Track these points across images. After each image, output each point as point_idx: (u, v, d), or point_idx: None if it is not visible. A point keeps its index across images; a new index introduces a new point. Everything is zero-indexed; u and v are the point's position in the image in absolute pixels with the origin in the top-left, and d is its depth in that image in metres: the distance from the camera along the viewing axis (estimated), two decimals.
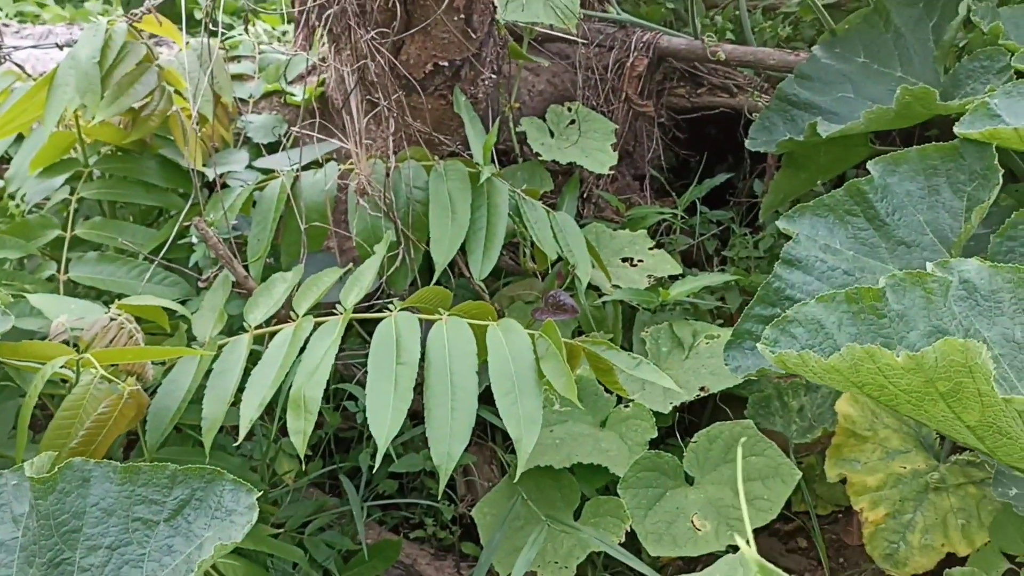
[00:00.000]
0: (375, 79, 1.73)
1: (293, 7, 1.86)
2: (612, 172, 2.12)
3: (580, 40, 2.21)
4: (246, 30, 2.21)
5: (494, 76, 1.93)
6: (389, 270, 1.71)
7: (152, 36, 1.87)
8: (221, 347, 1.43)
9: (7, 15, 3.09)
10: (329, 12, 1.68)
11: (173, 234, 1.72)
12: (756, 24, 2.48)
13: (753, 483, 1.59)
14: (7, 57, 1.94)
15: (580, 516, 1.63)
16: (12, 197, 1.82)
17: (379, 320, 1.40)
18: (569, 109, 2.14)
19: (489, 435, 1.87)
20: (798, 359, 1.12)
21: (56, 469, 1.05)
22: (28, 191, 1.79)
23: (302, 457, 1.30)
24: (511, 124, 2.08)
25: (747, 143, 2.05)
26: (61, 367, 1.26)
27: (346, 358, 1.80)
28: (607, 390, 1.70)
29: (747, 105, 2.27)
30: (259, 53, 2.20)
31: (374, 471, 1.34)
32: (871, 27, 2.03)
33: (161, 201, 1.83)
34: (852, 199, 1.58)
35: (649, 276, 1.97)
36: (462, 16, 1.77)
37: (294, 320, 1.44)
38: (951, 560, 1.47)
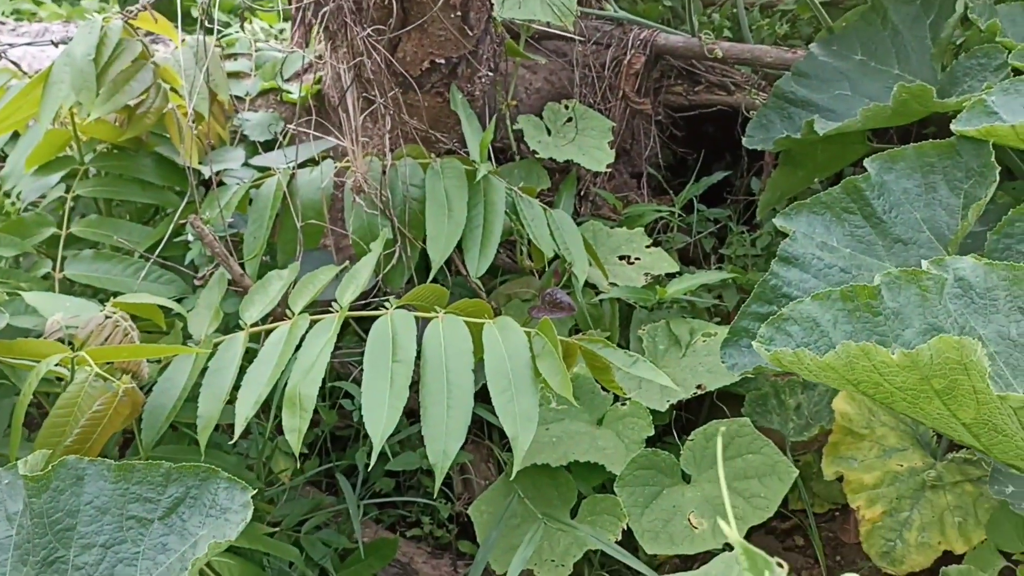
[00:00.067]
0: (371, 76, 1.73)
1: (290, 4, 1.85)
2: (609, 170, 2.12)
3: (577, 38, 2.21)
4: (242, 27, 2.20)
5: (491, 74, 1.92)
6: (385, 268, 1.70)
7: (148, 33, 1.87)
8: (217, 345, 1.43)
9: (3, 12, 3.09)
10: (325, 9, 1.68)
11: (169, 232, 1.72)
12: (754, 22, 2.47)
13: (750, 481, 1.59)
14: (3, 54, 1.94)
15: (577, 514, 1.63)
16: (8, 195, 1.82)
17: (375, 318, 1.39)
18: (566, 107, 2.14)
19: (486, 433, 1.86)
20: (793, 357, 1.12)
21: (50, 467, 1.05)
22: (24, 189, 1.78)
23: (297, 455, 1.30)
24: (508, 122, 2.08)
25: (744, 141, 2.05)
26: (56, 365, 1.26)
27: (343, 356, 1.80)
28: (604, 388, 1.70)
29: (744, 103, 2.27)
30: (256, 51, 2.20)
31: (369, 469, 1.33)
32: (868, 24, 2.03)
33: (157, 199, 1.83)
34: (849, 196, 1.58)
35: (646, 274, 1.97)
36: (459, 13, 1.76)
37: (290, 318, 1.43)
38: (948, 558, 1.47)
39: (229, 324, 1.55)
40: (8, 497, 1.06)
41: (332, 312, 1.43)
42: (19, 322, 1.48)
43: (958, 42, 2.05)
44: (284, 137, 1.96)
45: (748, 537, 1.60)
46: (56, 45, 1.97)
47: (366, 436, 1.32)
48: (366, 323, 1.42)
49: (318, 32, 1.78)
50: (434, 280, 1.61)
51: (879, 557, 1.52)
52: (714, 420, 1.66)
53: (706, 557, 1.57)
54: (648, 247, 2.04)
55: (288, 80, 2.09)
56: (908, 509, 1.52)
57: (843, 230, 1.56)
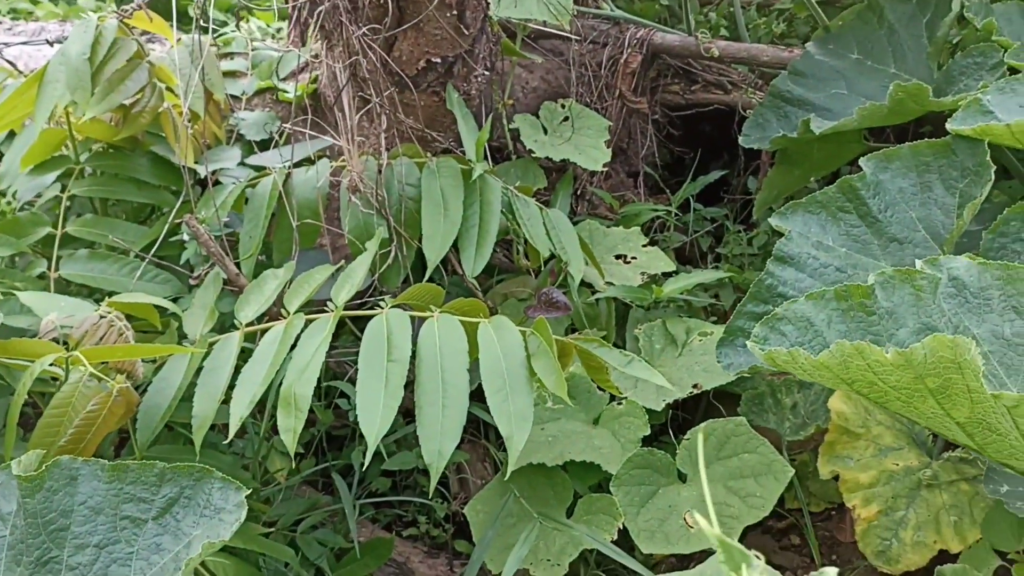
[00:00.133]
0: (367, 75, 1.73)
1: (286, 3, 1.85)
2: (606, 169, 2.12)
3: (574, 37, 2.21)
4: (237, 26, 2.20)
5: (487, 73, 1.92)
6: (381, 267, 1.70)
7: (144, 33, 1.87)
8: (212, 345, 1.43)
9: (0, 11, 3.08)
10: (321, 8, 1.68)
11: (164, 231, 1.72)
12: (750, 21, 2.47)
13: (746, 480, 1.59)
14: None
15: (573, 514, 1.63)
16: (3, 194, 1.82)
17: (371, 317, 1.39)
18: (563, 106, 2.14)
19: (482, 433, 1.86)
20: (788, 356, 1.12)
21: (44, 467, 1.05)
22: (19, 188, 1.78)
23: (293, 455, 1.29)
24: (505, 121, 2.08)
25: (740, 140, 2.05)
26: (51, 365, 1.26)
27: (339, 356, 1.80)
28: (600, 387, 1.70)
29: (741, 102, 2.27)
30: (252, 50, 2.20)
31: (364, 468, 1.33)
32: (865, 23, 2.03)
33: (153, 198, 1.82)
34: (844, 196, 1.58)
35: (643, 273, 1.97)
36: (455, 12, 1.76)
37: (285, 317, 1.43)
38: (943, 557, 1.47)
39: (225, 323, 1.55)
40: (2, 497, 1.05)
41: (328, 312, 1.43)
42: (14, 322, 1.48)
43: (954, 41, 2.05)
44: (280, 136, 1.96)
45: (744, 536, 1.60)
46: (51, 44, 1.97)
47: (362, 436, 1.32)
48: (362, 323, 1.42)
49: (314, 31, 1.78)
50: (430, 279, 1.61)
51: (875, 556, 1.52)
52: (710, 419, 1.66)
53: (702, 556, 1.57)
54: (645, 246, 2.04)
55: (284, 79, 2.09)
56: (904, 508, 1.52)
57: (839, 229, 1.55)
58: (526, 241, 1.85)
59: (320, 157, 1.80)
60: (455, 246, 1.69)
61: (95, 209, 1.86)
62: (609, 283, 1.91)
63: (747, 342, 1.21)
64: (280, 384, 1.34)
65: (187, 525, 1.05)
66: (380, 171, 1.72)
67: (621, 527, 1.57)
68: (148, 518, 1.05)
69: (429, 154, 1.79)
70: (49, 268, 1.65)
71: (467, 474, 1.81)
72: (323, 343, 1.36)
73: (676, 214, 2.25)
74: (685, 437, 1.66)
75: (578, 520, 1.61)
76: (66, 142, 1.80)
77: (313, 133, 1.79)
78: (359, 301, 1.67)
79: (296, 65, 2.08)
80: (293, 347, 1.38)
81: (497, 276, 2.02)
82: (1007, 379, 1.13)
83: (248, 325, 1.46)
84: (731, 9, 2.39)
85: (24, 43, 2.09)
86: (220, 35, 2.29)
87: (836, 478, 1.58)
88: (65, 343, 1.34)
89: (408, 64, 1.79)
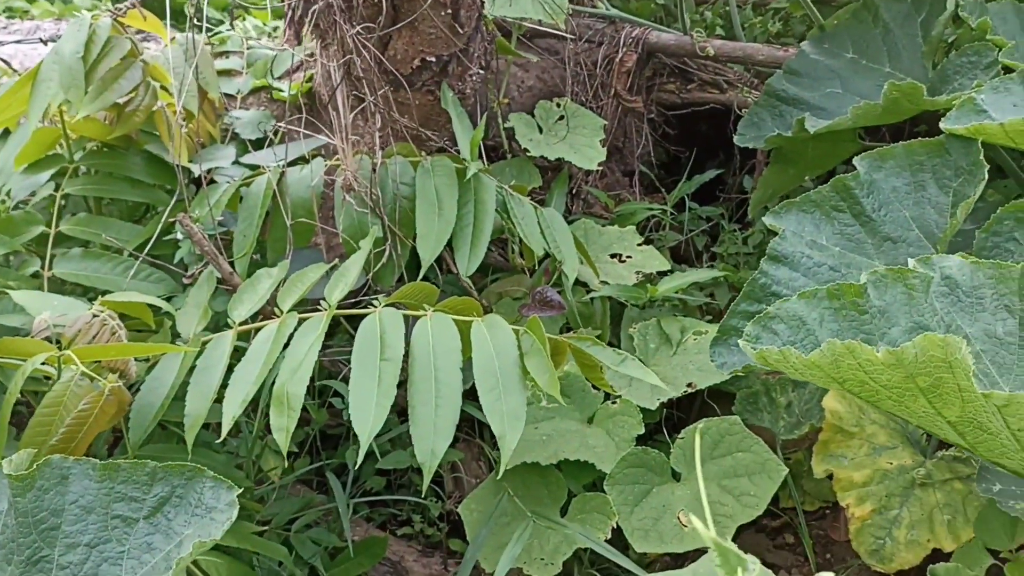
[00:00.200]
0: (361, 74, 1.73)
1: (281, 2, 1.85)
2: (601, 168, 2.12)
3: (569, 36, 2.20)
4: (231, 25, 2.20)
5: (482, 72, 1.92)
6: (376, 266, 1.70)
7: (140, 32, 1.87)
8: (205, 344, 1.43)
9: None
10: (315, 7, 1.68)
11: (158, 230, 1.71)
12: (746, 20, 2.47)
13: (740, 479, 1.59)
14: None
15: (567, 513, 1.63)
16: None
17: (365, 316, 1.39)
18: (558, 105, 2.14)
19: (477, 432, 1.86)
20: (779, 355, 1.12)
21: (35, 466, 1.05)
22: (13, 187, 1.78)
23: (285, 454, 1.29)
24: (500, 120, 2.08)
25: (736, 139, 2.05)
26: (43, 364, 1.26)
27: (333, 355, 1.80)
28: (595, 386, 1.70)
29: (737, 101, 2.27)
30: (247, 49, 2.20)
31: (356, 467, 1.33)
32: (860, 23, 2.03)
33: (147, 197, 1.82)
34: (838, 195, 1.58)
35: (638, 272, 1.97)
36: (449, 11, 1.76)
37: (278, 316, 1.43)
38: (937, 556, 1.47)
39: (219, 322, 1.55)
40: None
41: (321, 311, 1.43)
42: (7, 321, 1.48)
43: (949, 40, 2.05)
44: (276, 135, 1.96)
45: (738, 535, 1.60)
46: (45, 43, 1.96)
47: (356, 435, 1.32)
48: (357, 322, 1.41)
49: (308, 29, 1.78)
50: (425, 278, 1.61)
51: (868, 555, 1.52)
52: (705, 418, 1.66)
53: (696, 555, 1.57)
54: (640, 245, 2.04)
55: (279, 78, 2.09)
56: (897, 507, 1.52)
57: (832, 228, 1.55)
58: (521, 240, 1.85)
59: (315, 156, 1.80)
60: (450, 245, 1.69)
61: (89, 208, 1.86)
62: (604, 282, 1.91)
63: (739, 341, 1.21)
64: (273, 383, 1.34)
65: (178, 524, 1.05)
66: (375, 170, 1.72)
67: (615, 526, 1.57)
68: (139, 517, 1.05)
69: (424, 153, 1.79)
70: (43, 267, 1.65)
71: (462, 473, 1.81)
72: (316, 342, 1.36)
73: (672, 213, 2.25)
74: (679, 436, 1.66)
75: (572, 519, 1.61)
76: (60, 141, 1.80)
77: (308, 132, 1.79)
78: (354, 300, 1.67)
79: (291, 64, 2.08)
80: (286, 346, 1.37)
81: (492, 275, 2.02)
82: (999, 378, 1.13)
83: (241, 324, 1.46)
84: (727, 8, 2.39)
85: (18, 42, 2.08)
86: (215, 34, 2.29)
87: (830, 477, 1.58)
88: (58, 342, 1.34)
89: (403, 63, 1.79)
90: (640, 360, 1.63)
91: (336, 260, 1.61)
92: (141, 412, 1.36)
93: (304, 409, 1.32)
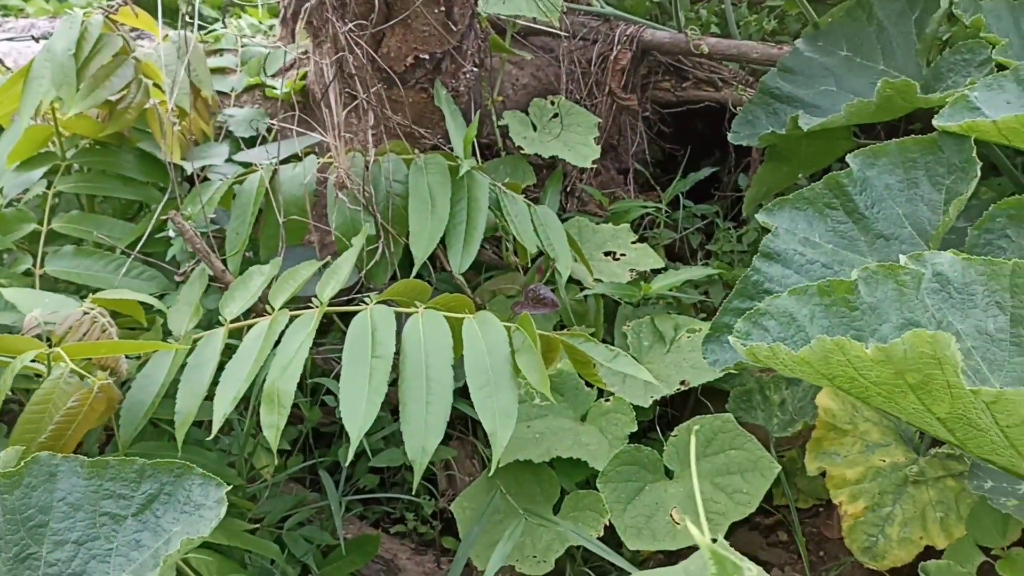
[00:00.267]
0: (354, 72, 1.72)
1: (276, 1, 1.85)
2: (596, 166, 2.11)
3: (563, 33, 2.20)
4: (223, 23, 2.19)
5: (476, 69, 1.92)
6: (369, 264, 1.70)
7: (133, 29, 1.86)
8: (196, 341, 1.42)
9: None
10: (307, 4, 1.67)
11: (150, 228, 1.71)
12: (741, 18, 2.47)
13: (733, 476, 1.58)
14: None
15: (560, 510, 1.63)
16: None
17: (357, 314, 1.39)
18: (552, 103, 2.14)
19: (470, 429, 1.86)
20: (769, 352, 1.12)
21: (23, 463, 1.05)
22: (5, 185, 1.77)
23: (275, 451, 1.29)
24: (494, 118, 2.07)
25: (730, 137, 2.05)
26: (33, 361, 1.25)
27: (326, 352, 1.80)
28: (588, 384, 1.69)
29: (732, 99, 2.27)
30: (242, 46, 2.19)
31: (347, 464, 1.33)
32: (854, 20, 2.03)
33: (140, 195, 1.82)
34: (831, 192, 1.58)
35: (632, 270, 1.96)
36: (442, 8, 1.76)
37: (270, 314, 1.43)
38: (929, 553, 1.47)
39: (210, 320, 1.54)
40: None
41: (313, 308, 1.42)
42: None
43: (943, 38, 2.05)
44: (269, 133, 1.95)
45: (731, 532, 1.60)
46: (37, 40, 1.96)
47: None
48: (350, 319, 1.41)
49: (301, 27, 1.78)
50: (418, 276, 1.60)
51: (861, 552, 1.52)
52: (698, 416, 1.66)
53: (689, 552, 1.57)
54: (634, 243, 2.04)
55: (273, 76, 2.08)
56: (890, 504, 1.52)
57: (825, 226, 1.55)
58: (515, 238, 1.85)
59: (308, 154, 1.79)
60: (443, 243, 1.69)
61: (81, 206, 1.85)
62: (598, 280, 1.91)
63: (729, 337, 1.21)
64: (263, 380, 1.34)
65: (167, 521, 1.05)
66: (367, 168, 1.71)
67: (608, 523, 1.57)
68: (128, 514, 1.05)
69: (417, 151, 1.79)
70: (35, 265, 1.65)
71: (455, 471, 1.81)
72: (307, 339, 1.35)
73: (666, 211, 2.25)
74: (673, 434, 1.65)
75: (565, 516, 1.60)
76: (52, 138, 1.79)
77: (301, 130, 1.78)
78: (346, 298, 1.66)
79: (284, 62, 2.08)
80: (277, 343, 1.37)
81: (486, 273, 2.02)
82: (990, 375, 1.13)
83: (233, 321, 1.46)
84: (721, 6, 2.39)
85: (10, 39, 2.08)
86: (209, 31, 2.28)
87: (823, 474, 1.58)
88: (48, 339, 1.34)
89: (396, 60, 1.78)
90: (634, 358, 1.63)
91: (328, 257, 1.61)
92: (132, 410, 1.36)
93: (297, 407, 1.31)
